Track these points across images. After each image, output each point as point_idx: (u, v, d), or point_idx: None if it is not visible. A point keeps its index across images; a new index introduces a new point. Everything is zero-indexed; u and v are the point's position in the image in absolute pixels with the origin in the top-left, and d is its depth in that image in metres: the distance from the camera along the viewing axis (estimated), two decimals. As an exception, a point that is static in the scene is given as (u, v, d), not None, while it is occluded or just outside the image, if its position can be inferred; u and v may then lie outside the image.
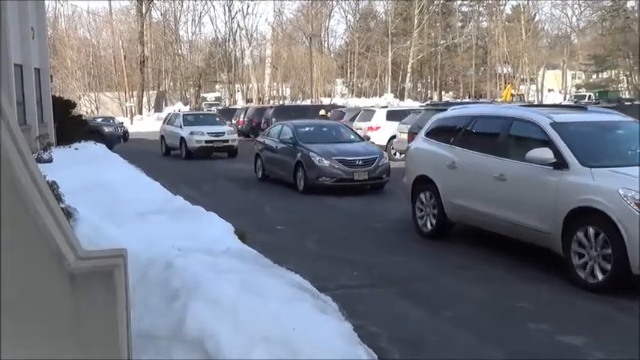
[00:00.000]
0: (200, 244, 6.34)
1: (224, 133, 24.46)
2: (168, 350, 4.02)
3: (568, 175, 6.97)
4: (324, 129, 16.69)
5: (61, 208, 3.01)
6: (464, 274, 7.41)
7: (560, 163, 7.09)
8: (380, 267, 7.74)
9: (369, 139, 18.71)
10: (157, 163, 22.28)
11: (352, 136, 16.09)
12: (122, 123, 35.55)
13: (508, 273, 7.37)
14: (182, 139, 24.23)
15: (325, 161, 13.98)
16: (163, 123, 27.60)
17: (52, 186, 6.92)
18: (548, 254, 7.39)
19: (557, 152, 7.17)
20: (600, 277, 6.49)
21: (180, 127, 24.65)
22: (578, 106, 11.46)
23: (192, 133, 23.87)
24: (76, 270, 2.61)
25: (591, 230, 6.57)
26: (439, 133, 9.59)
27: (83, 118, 30.27)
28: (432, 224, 9.24)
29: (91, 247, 3.49)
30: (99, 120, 35.82)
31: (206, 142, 23.77)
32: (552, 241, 7.08)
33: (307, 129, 16.21)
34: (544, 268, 7.40)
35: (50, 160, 14.00)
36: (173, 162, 23.37)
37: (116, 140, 28.84)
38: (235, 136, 25.12)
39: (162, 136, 26.82)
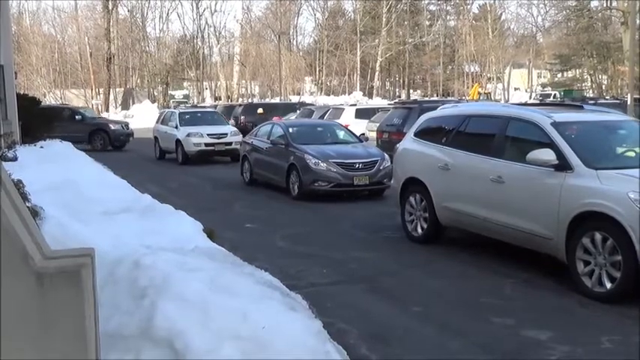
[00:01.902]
0: (169, 243, 6.30)
1: (227, 134, 21.15)
2: (137, 349, 3.99)
3: (572, 178, 6.59)
4: (319, 128, 15.51)
5: (27, 207, 2.98)
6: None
7: (563, 165, 6.71)
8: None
9: (367, 139, 17.78)
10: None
11: (350, 137, 14.88)
12: (127, 121, 32.16)
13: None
14: (178, 141, 21.04)
15: (322, 164, 12.77)
16: (157, 122, 24.31)
17: (18, 185, 6.81)
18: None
19: (559, 153, 6.79)
20: (608, 285, 6.12)
21: (176, 127, 21.49)
22: (573, 105, 10.97)
23: (189, 135, 20.68)
24: (43, 269, 2.59)
25: (598, 236, 6.20)
26: (429, 132, 9.17)
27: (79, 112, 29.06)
28: (422, 228, 8.82)
29: (58, 246, 3.45)
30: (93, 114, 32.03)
31: (206, 144, 20.62)
32: (555, 246, 6.71)
33: (300, 128, 15.09)
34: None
35: (15, 159, 13.74)
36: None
37: (125, 139, 27.45)
38: (239, 137, 20.40)
39: (155, 138, 23.42)
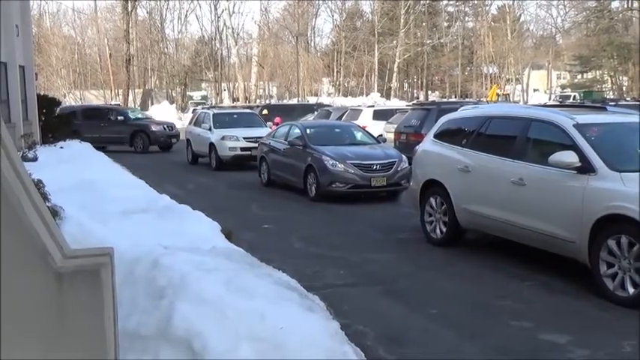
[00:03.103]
0: (186, 243, 6.33)
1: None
2: (155, 349, 4.01)
3: (595, 180, 6.48)
4: (337, 130, 15.51)
5: (47, 207, 3.01)
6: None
7: (586, 168, 6.60)
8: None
9: (385, 140, 17.67)
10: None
11: (367, 138, 14.85)
12: (173, 123, 29.83)
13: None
14: (212, 145, 19.57)
15: (339, 165, 12.74)
16: (189, 124, 23.03)
17: (38, 185, 6.89)
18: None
19: (582, 156, 6.68)
20: (631, 290, 6.03)
21: (210, 129, 20.00)
22: (596, 106, 10.74)
23: (224, 138, 19.14)
24: (63, 269, 2.61)
25: (624, 239, 6.07)
26: (449, 134, 9.06)
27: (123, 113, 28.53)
28: (442, 231, 8.74)
29: (77, 246, 3.47)
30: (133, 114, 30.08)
31: (242, 149, 18.81)
32: (577, 249, 6.60)
33: (318, 129, 15.05)
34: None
35: (35, 159, 13.90)
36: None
37: (166, 140, 26.60)
38: None
39: (187, 140, 22.06)
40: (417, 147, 9.83)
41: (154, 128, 26.86)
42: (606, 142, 7.04)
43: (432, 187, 8.94)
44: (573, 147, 6.84)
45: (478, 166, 8.14)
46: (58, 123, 21.38)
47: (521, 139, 7.75)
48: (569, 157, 6.76)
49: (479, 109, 9.52)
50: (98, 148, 23.67)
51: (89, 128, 27.03)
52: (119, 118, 27.48)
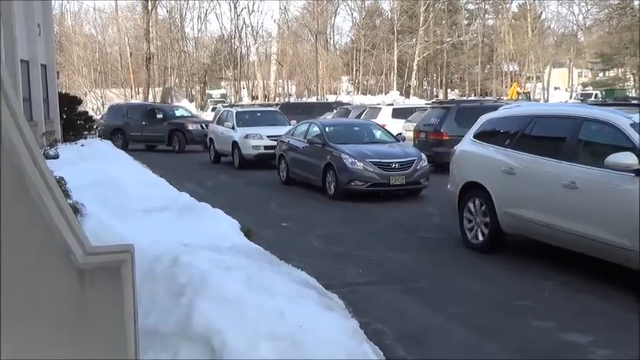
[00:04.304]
0: (206, 241, 6.35)
1: None
2: (175, 347, 4.03)
3: None
4: (356, 128, 15.43)
5: (69, 204, 3.02)
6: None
7: None
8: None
9: (404, 139, 17.59)
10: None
11: (386, 136, 14.83)
12: (209, 120, 27.78)
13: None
14: (235, 143, 19.35)
15: (358, 163, 12.70)
16: (212, 122, 22.71)
17: (60, 182, 6.94)
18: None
19: None
20: None
21: (233, 127, 19.77)
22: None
23: (247, 137, 18.97)
24: (84, 265, 2.62)
25: None
26: (490, 135, 8.63)
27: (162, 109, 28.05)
28: (483, 236, 8.26)
29: (98, 242, 3.49)
30: (174, 112, 28.81)
31: (265, 147, 18.46)
32: (635, 258, 6.17)
33: (337, 128, 14.98)
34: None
35: (57, 157, 14.02)
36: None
37: (202, 139, 24.17)
38: None
39: (210, 139, 21.83)
40: (455, 147, 9.39)
41: (190, 127, 26.01)
42: None
43: (472, 189, 8.49)
44: (632, 148, 6.38)
45: (524, 168, 7.67)
46: (79, 121, 21.55)
47: (572, 140, 7.25)
48: (628, 158, 6.33)
49: (522, 108, 9.08)
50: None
51: (132, 127, 27.21)
52: (158, 116, 26.92)
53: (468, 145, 8.97)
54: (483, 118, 9.08)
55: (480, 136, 8.81)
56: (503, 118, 8.70)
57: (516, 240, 8.28)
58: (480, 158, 8.54)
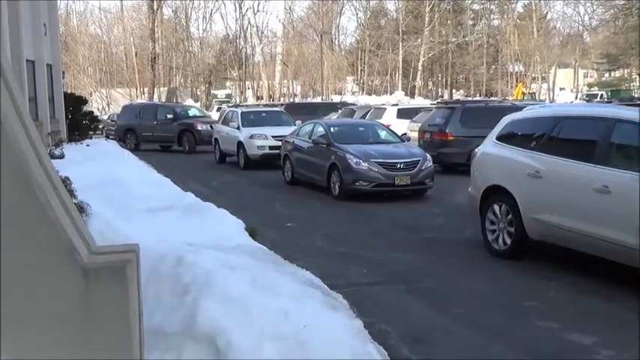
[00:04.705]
0: (211, 240, 6.36)
1: None
2: (179, 347, 4.03)
3: None
4: (361, 128, 15.43)
5: (74, 204, 3.03)
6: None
7: None
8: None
9: (409, 139, 17.59)
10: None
11: (391, 137, 14.78)
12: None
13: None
14: (240, 143, 19.42)
15: (363, 164, 12.69)
16: (217, 122, 22.75)
17: (65, 182, 6.96)
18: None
19: None
20: None
21: (238, 128, 19.83)
22: None
23: (252, 137, 19.02)
24: (90, 265, 2.63)
25: None
26: (515, 136, 8.29)
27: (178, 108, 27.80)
28: (505, 242, 7.92)
29: (104, 242, 3.50)
30: (185, 111, 28.73)
31: (270, 147, 18.47)
32: None
33: (342, 128, 15.00)
34: None
35: (62, 157, 14.07)
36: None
37: (210, 140, 23.57)
38: None
39: (215, 140, 21.92)
40: (476, 149, 9.05)
41: (199, 127, 25.75)
42: None
43: (496, 193, 8.13)
44: None
45: (552, 172, 7.28)
46: (84, 121, 21.61)
47: (604, 142, 6.86)
48: None
49: (548, 109, 8.70)
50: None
51: (143, 127, 27.11)
52: (168, 116, 26.64)
53: (490, 147, 8.61)
54: (506, 120, 8.70)
55: (504, 137, 8.46)
56: (528, 120, 8.35)
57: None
58: (503, 161, 8.19)
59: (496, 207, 8.09)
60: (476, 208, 8.53)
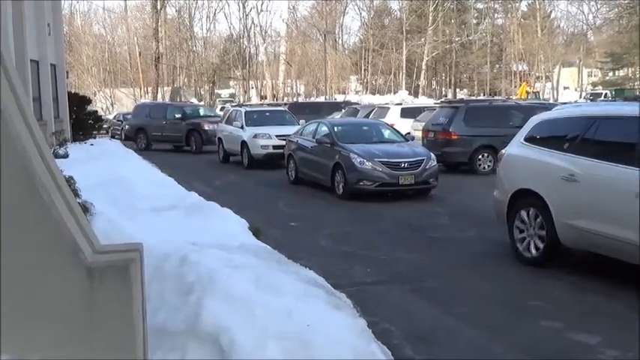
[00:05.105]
0: (214, 240, 6.36)
1: None
2: (183, 346, 4.04)
3: None
4: (365, 127, 15.38)
5: (78, 203, 3.03)
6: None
7: None
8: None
9: (413, 139, 17.53)
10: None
11: (395, 136, 14.76)
12: None
13: None
14: (243, 143, 19.41)
15: (367, 163, 12.66)
16: (221, 121, 22.68)
17: (69, 181, 6.97)
18: None
19: None
20: None
21: (242, 127, 19.77)
22: None
23: (256, 136, 19.02)
24: (93, 264, 2.63)
25: None
26: (545, 137, 7.86)
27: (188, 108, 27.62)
28: (537, 249, 7.47)
29: (107, 241, 3.51)
30: (192, 109, 28.68)
31: (274, 147, 18.51)
32: None
33: (346, 127, 14.98)
34: None
35: (66, 156, 14.09)
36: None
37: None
38: None
39: (219, 139, 21.78)
40: (503, 151, 8.65)
41: (206, 127, 25.39)
42: None
43: (525, 197, 7.69)
44: None
45: (589, 175, 6.84)
46: (89, 120, 21.66)
47: None
48: None
49: (580, 109, 8.33)
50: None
51: (153, 127, 26.99)
52: (176, 115, 26.43)
53: (517, 149, 8.17)
54: (535, 120, 8.29)
55: (532, 139, 8.03)
56: (560, 120, 7.94)
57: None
58: (533, 163, 7.73)
59: (525, 212, 7.67)
60: (503, 213, 8.08)
